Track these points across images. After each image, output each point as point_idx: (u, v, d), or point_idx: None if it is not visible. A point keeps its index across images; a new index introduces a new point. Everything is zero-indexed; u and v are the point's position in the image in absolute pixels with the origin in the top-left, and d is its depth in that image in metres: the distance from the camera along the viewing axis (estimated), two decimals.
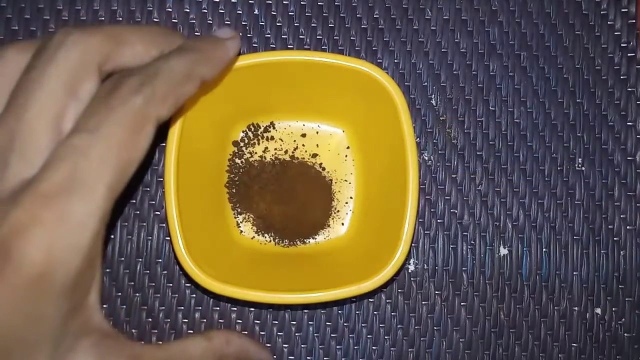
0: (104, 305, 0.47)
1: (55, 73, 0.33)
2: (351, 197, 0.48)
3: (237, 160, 0.47)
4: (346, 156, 0.48)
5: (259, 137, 0.48)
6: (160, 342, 0.47)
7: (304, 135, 0.48)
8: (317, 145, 0.48)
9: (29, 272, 0.30)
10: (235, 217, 0.47)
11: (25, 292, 0.30)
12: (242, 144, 0.48)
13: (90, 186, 0.31)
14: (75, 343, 0.33)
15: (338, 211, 0.48)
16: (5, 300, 0.30)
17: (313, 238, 0.47)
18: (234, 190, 0.47)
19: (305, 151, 0.48)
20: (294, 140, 0.48)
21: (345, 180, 0.48)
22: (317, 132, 0.48)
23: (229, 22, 0.49)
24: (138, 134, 0.33)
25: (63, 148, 0.32)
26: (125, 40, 0.36)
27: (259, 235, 0.47)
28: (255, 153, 0.48)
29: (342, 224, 0.47)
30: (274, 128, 0.48)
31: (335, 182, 0.48)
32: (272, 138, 0.48)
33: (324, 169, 0.48)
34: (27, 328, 0.31)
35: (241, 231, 0.47)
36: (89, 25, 0.37)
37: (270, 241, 0.47)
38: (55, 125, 0.33)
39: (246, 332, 0.47)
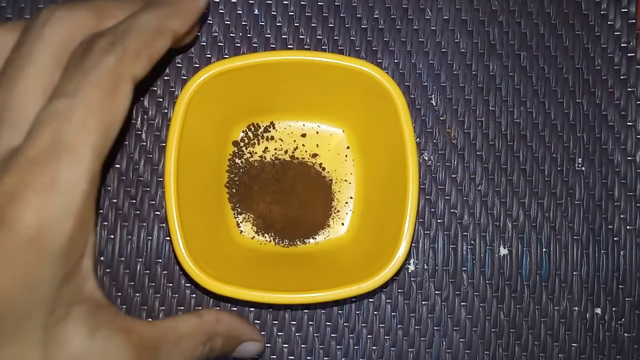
0: None
1: (44, 47, 0.34)
2: (351, 197, 0.48)
3: (237, 160, 0.47)
4: (346, 156, 0.48)
5: (259, 137, 0.48)
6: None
7: (304, 135, 0.48)
8: (317, 145, 0.48)
9: (24, 236, 0.31)
10: (235, 217, 0.47)
11: (21, 256, 0.31)
12: (242, 144, 0.47)
13: (77, 149, 0.32)
14: (68, 311, 0.33)
15: (338, 211, 0.48)
16: (1, 265, 0.31)
17: (313, 238, 0.47)
18: (234, 190, 0.47)
19: (305, 151, 0.48)
20: (294, 140, 0.48)
21: (345, 180, 0.48)
22: (317, 132, 0.48)
23: (228, 22, 0.49)
24: (115, 94, 0.33)
25: (44, 113, 0.32)
26: (110, 14, 0.37)
27: (259, 235, 0.47)
28: (255, 153, 0.48)
29: (342, 224, 0.47)
30: (274, 128, 0.48)
31: (335, 182, 0.48)
32: (272, 138, 0.48)
33: (324, 169, 0.48)
34: (23, 294, 0.31)
35: (241, 231, 0.47)
36: (75, 2, 0.37)
37: (270, 241, 0.47)
38: (44, 95, 0.34)
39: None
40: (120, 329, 0.35)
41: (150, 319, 0.47)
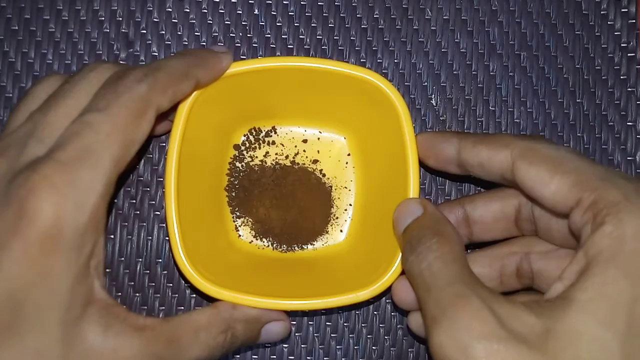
0: None
1: (85, 86, 0.38)
2: (350, 205, 0.48)
3: (238, 164, 0.47)
4: (347, 163, 0.48)
5: (260, 142, 0.48)
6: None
7: (305, 141, 0.48)
8: (318, 152, 0.48)
9: (42, 226, 0.34)
10: (234, 221, 0.47)
11: (38, 245, 0.34)
12: (243, 147, 0.48)
13: (98, 155, 0.35)
14: (83, 311, 0.36)
15: (337, 218, 0.48)
16: (20, 253, 0.34)
17: (311, 244, 0.47)
18: (233, 194, 0.47)
19: (306, 157, 0.48)
20: (295, 146, 0.48)
21: (345, 187, 0.48)
22: (319, 139, 0.48)
23: (228, 22, 0.49)
24: (140, 117, 0.37)
25: (76, 124, 0.36)
26: None
27: (257, 239, 0.47)
28: (256, 157, 0.48)
29: (341, 230, 0.48)
30: (275, 133, 0.48)
31: (335, 189, 0.48)
32: (274, 143, 0.48)
33: (324, 175, 0.48)
34: (40, 283, 0.34)
35: (239, 235, 0.47)
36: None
37: (269, 246, 0.47)
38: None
39: None
40: (132, 326, 0.37)
41: None
